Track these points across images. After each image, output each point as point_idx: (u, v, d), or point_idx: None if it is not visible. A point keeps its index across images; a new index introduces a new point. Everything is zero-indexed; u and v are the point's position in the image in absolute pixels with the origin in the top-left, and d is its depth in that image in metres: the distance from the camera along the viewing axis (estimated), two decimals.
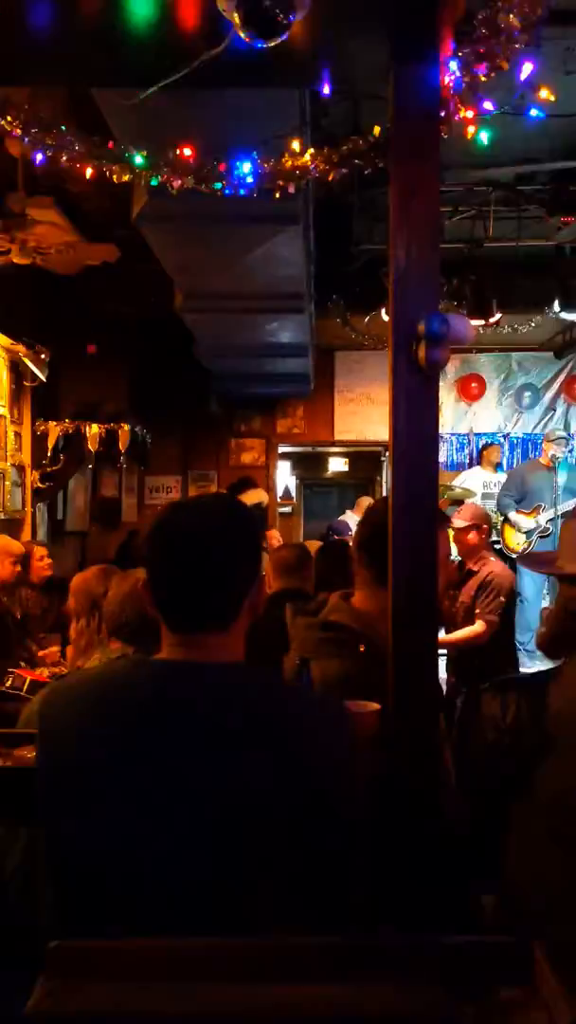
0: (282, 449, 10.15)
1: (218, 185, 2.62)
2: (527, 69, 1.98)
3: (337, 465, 13.30)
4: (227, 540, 1.32)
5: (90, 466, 7.82)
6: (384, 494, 9.82)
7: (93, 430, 7.24)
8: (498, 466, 8.90)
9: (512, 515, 7.78)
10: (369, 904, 1.28)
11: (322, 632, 2.00)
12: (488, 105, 2.08)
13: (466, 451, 9.68)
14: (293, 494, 12.39)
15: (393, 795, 1.62)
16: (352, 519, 9.20)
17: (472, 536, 4.93)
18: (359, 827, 1.26)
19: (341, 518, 9.98)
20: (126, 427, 7.41)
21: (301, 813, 1.19)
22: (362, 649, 1.92)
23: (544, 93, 2.18)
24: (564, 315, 6.68)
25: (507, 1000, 0.96)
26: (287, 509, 11.25)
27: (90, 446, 7.25)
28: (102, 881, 1.20)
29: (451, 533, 7.64)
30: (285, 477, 11.76)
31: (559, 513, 7.22)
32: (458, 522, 4.99)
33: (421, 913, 1.47)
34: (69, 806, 1.23)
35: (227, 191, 2.61)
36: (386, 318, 4.11)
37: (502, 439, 9.65)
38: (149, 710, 1.23)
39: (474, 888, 1.59)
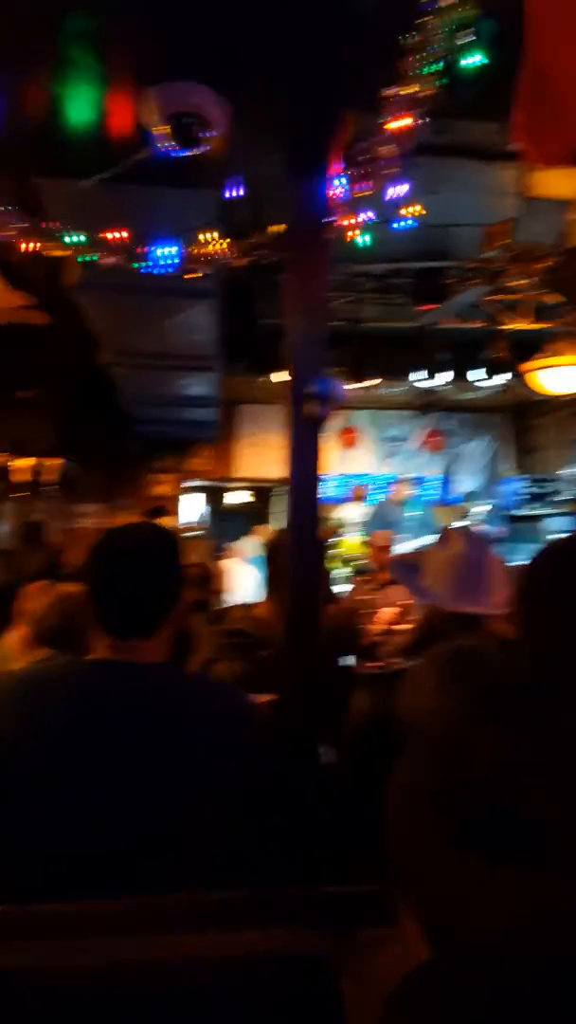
0: (193, 483, 10.11)
1: (143, 265, 2.64)
2: (400, 190, 2.08)
3: (239, 497, 13.33)
4: (155, 561, 1.34)
5: (21, 493, 7.61)
6: (274, 523, 9.89)
7: (24, 463, 7.07)
8: (365, 500, 9.13)
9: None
10: (267, 860, 1.30)
11: (229, 638, 2.02)
12: (368, 215, 2.18)
13: (344, 489, 9.88)
14: (202, 521, 12.32)
15: (283, 767, 1.64)
16: (249, 542, 9.22)
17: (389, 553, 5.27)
18: (261, 795, 1.27)
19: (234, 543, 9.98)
20: (54, 461, 7.27)
21: (213, 782, 1.20)
22: (264, 653, 1.94)
23: (412, 209, 2.30)
24: (424, 382, 6.96)
25: (371, 937, 0.99)
26: (197, 533, 11.18)
27: (21, 476, 7.07)
28: (33, 852, 1.18)
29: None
30: (196, 506, 11.68)
31: (416, 544, 7.47)
32: (379, 541, 5.32)
33: (303, 867, 1.49)
34: (5, 786, 1.20)
35: (151, 270, 2.63)
36: (281, 379, 4.17)
37: (374, 480, 9.91)
38: (80, 703, 1.22)
39: (347, 848, 1.62)
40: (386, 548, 5.23)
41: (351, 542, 8.54)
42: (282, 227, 2.32)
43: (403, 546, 7.80)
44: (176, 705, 1.25)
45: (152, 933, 1.00)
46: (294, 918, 1.02)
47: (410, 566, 1.97)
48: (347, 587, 6.52)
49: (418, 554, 2.04)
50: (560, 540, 1.19)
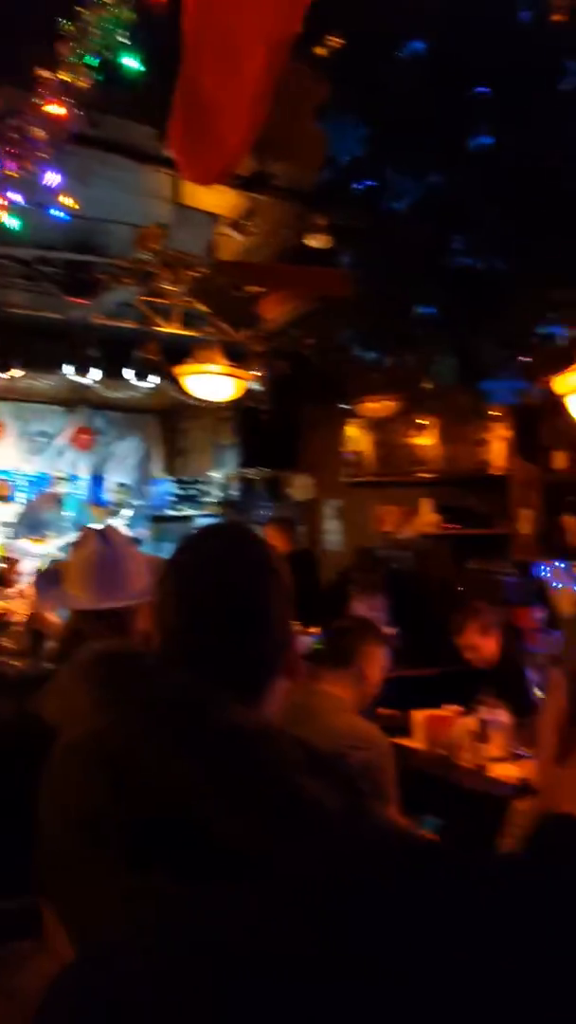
0: None
1: None
2: (53, 178, 2.04)
3: None
4: None
5: None
6: None
7: None
8: (8, 498, 8.69)
9: (20, 542, 7.68)
10: None
11: None
12: (17, 197, 2.10)
13: None
14: None
15: None
16: None
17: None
18: None
19: None
20: None
21: None
22: None
23: (67, 200, 2.26)
24: (74, 377, 6.84)
25: (20, 952, 0.96)
26: None
27: None
28: None
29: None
30: None
31: (69, 541, 7.33)
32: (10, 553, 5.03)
33: None
34: None
35: None
36: None
37: (19, 476, 9.44)
38: None
39: None
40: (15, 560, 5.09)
41: None
42: None
43: (53, 544, 7.61)
44: None
45: None
46: None
47: (51, 576, 1.97)
48: None
49: (59, 564, 2.05)
50: (195, 532, 1.24)
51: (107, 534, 1.96)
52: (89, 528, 1.99)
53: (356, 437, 7.00)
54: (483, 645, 4.19)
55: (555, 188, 2.06)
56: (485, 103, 1.94)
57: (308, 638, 4.39)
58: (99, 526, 2.00)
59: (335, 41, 2.33)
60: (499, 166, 1.97)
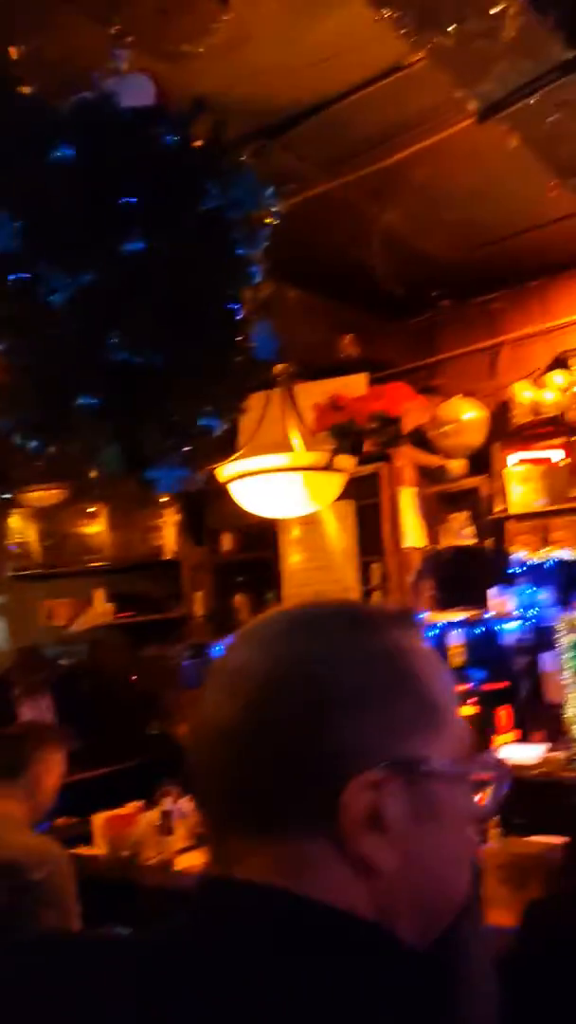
0: None
1: None
2: None
3: None
4: None
5: None
6: None
7: None
8: None
9: None
10: None
11: None
12: None
13: None
14: None
15: None
16: None
17: None
18: None
19: None
20: None
21: None
22: None
23: None
24: None
25: None
26: None
27: None
28: None
29: None
30: None
31: None
32: None
33: None
34: None
35: None
36: None
37: None
38: None
39: None
40: None
41: None
42: None
43: None
44: None
45: None
46: None
47: None
48: None
49: None
50: None
51: None
52: None
53: (20, 528, 6.74)
54: None
55: (205, 293, 2.26)
56: (134, 212, 2.09)
57: None
58: None
59: None
60: (151, 270, 2.12)
